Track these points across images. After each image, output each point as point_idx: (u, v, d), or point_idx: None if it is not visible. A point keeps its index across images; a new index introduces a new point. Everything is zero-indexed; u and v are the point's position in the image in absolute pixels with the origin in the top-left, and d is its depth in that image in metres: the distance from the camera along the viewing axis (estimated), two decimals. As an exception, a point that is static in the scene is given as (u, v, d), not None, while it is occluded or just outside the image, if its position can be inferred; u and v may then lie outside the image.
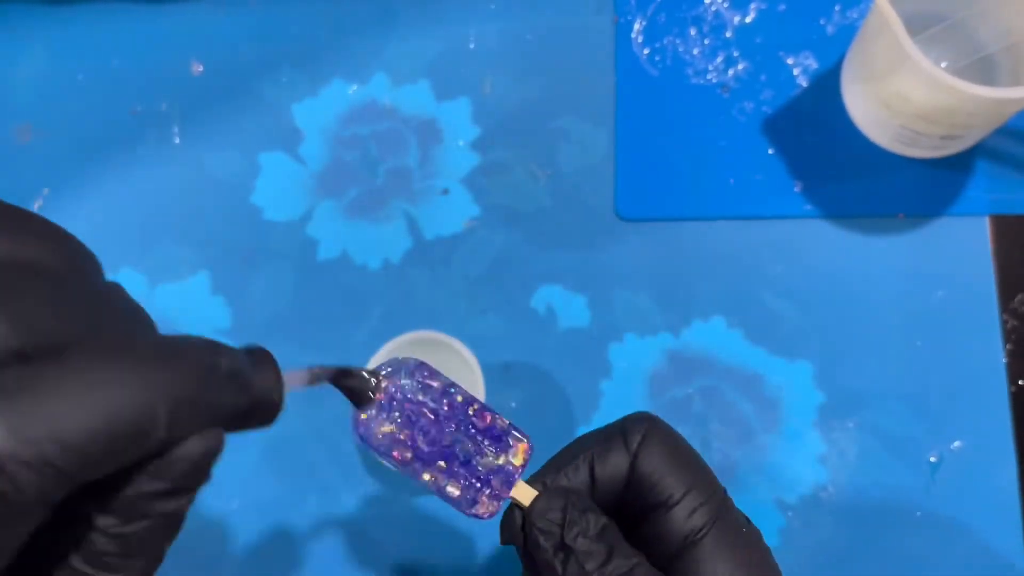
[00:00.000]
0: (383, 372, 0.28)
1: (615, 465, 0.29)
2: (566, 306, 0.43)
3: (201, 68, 0.49)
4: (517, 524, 0.28)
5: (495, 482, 0.28)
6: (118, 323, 0.20)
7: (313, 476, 0.43)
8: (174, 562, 0.45)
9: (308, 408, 0.44)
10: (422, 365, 0.28)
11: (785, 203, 0.43)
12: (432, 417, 0.28)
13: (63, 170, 0.48)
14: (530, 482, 0.29)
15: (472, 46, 0.47)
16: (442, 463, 0.28)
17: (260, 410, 0.23)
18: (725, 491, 0.29)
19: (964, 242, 0.42)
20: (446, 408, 0.28)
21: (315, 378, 0.28)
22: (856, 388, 0.41)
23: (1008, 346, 0.40)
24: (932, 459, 0.40)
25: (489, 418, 0.28)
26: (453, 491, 0.28)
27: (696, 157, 0.44)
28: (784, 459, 0.40)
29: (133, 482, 0.19)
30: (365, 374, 0.28)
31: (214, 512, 0.43)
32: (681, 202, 0.44)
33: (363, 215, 0.46)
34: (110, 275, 0.25)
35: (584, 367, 0.42)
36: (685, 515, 0.27)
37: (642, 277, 0.43)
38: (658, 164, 0.44)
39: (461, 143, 0.46)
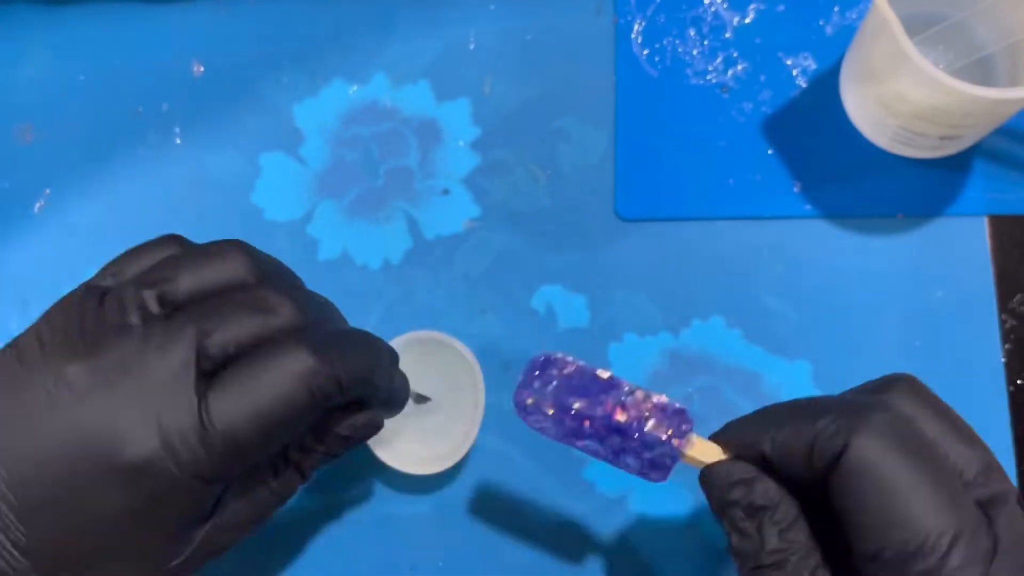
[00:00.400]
0: (533, 374, 0.32)
1: (795, 467, 0.26)
2: (566, 306, 0.43)
3: (202, 69, 0.49)
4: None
5: (665, 448, 0.30)
6: (333, 314, 0.33)
7: (313, 476, 0.43)
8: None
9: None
10: (563, 356, 0.32)
11: (784, 203, 0.43)
12: (591, 396, 0.31)
13: (64, 171, 0.48)
14: (712, 438, 0.30)
15: (472, 46, 0.47)
16: (616, 438, 0.30)
17: (396, 400, 0.35)
18: (971, 525, 0.21)
19: (963, 242, 0.42)
20: (601, 386, 0.31)
21: (419, 399, 0.40)
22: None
23: (1007, 346, 0.41)
24: (931, 458, 0.40)
25: (647, 393, 0.30)
26: (622, 461, 0.31)
27: (696, 157, 0.44)
28: (783, 458, 0.40)
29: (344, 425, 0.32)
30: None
31: (215, 511, 0.43)
32: (681, 202, 0.44)
33: (363, 215, 0.46)
34: (112, 276, 0.26)
35: (584, 367, 0.42)
36: (953, 567, 0.20)
37: (642, 277, 0.43)
38: (658, 164, 0.44)
39: (461, 143, 0.46)
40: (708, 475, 0.29)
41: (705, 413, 0.41)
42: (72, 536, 0.26)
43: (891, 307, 0.42)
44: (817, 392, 0.41)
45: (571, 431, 0.31)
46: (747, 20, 0.45)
